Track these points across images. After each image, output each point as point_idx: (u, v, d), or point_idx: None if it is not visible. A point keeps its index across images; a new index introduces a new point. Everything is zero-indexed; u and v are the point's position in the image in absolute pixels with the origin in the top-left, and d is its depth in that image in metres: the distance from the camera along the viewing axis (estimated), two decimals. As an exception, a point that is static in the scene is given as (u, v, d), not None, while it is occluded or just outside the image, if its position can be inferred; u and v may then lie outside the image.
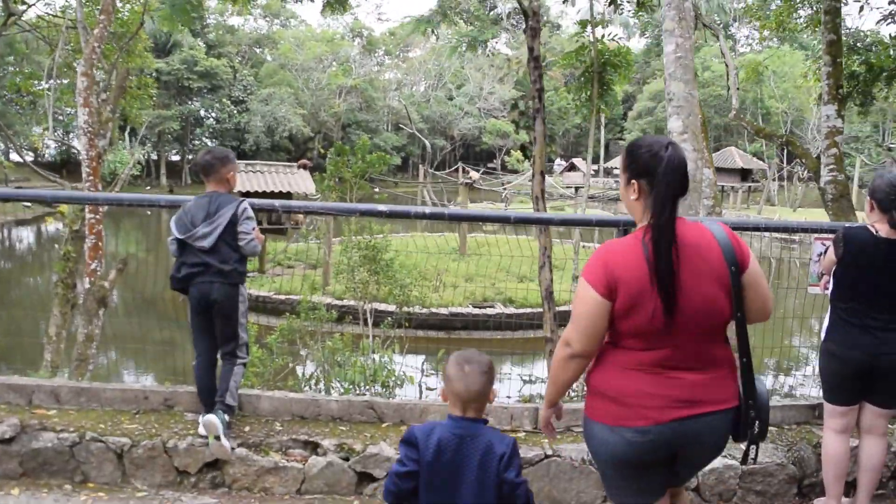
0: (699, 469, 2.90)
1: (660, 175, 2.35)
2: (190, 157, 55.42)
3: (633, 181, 2.45)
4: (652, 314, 2.30)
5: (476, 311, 17.30)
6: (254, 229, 3.99)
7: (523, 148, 62.46)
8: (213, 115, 55.61)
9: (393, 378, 7.92)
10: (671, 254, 2.29)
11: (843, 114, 7.62)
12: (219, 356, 4.15)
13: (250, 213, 4.00)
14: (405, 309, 9.19)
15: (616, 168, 62.00)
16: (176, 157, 58.60)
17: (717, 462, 4.12)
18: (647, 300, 2.29)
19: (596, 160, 62.22)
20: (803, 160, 10.95)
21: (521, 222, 4.21)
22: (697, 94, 5.88)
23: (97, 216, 8.20)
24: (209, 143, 55.33)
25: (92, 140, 8.49)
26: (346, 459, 3.97)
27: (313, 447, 4.03)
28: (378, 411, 4.33)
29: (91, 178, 8.30)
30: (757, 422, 2.51)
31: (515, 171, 54.17)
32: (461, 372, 2.53)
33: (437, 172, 46.37)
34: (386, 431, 4.20)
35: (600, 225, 4.47)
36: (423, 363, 10.20)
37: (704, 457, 2.59)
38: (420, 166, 49.48)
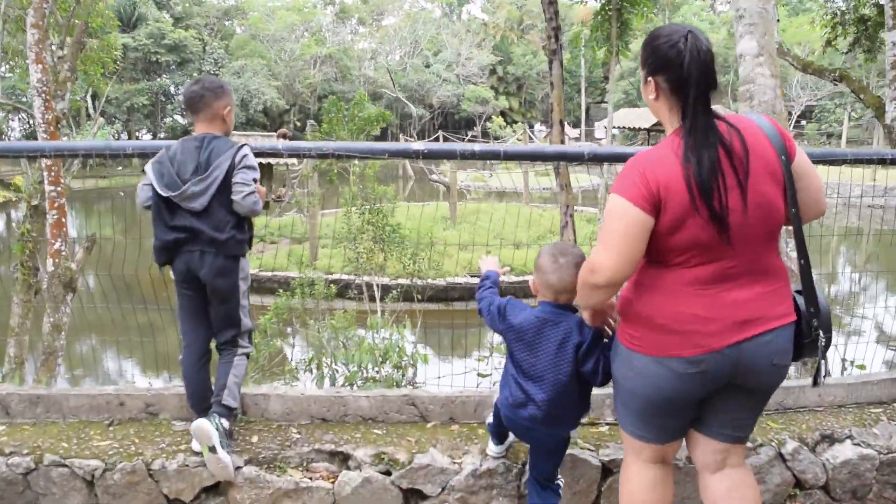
0: (753, 410, 2.40)
1: (683, 68, 2.09)
2: (162, 135, 53.77)
3: (651, 78, 2.20)
4: (705, 224, 2.08)
5: (475, 280, 16.39)
6: (255, 181, 3.04)
7: (503, 114, 61.35)
8: (183, 90, 53.90)
9: (405, 357, 7.02)
10: (715, 155, 2.07)
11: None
12: (214, 346, 3.19)
13: (252, 160, 3.05)
14: (417, 280, 8.23)
15: (600, 134, 61.27)
16: (147, 136, 56.89)
17: (851, 452, 3.31)
18: (698, 209, 2.06)
19: (577, 125, 61.50)
20: (861, 96, 10.09)
21: (596, 160, 3.26)
22: (774, 8, 4.95)
23: (58, 188, 7.12)
24: (181, 120, 53.83)
25: (48, 102, 7.39)
26: (388, 474, 3.04)
27: (343, 459, 3.10)
28: (421, 408, 3.40)
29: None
30: (821, 333, 2.29)
31: (498, 138, 53.06)
32: (555, 264, 2.55)
33: (411, 138, 45.25)
34: (434, 433, 3.28)
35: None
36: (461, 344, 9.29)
37: (759, 388, 2.30)
38: (401, 136, 48.22)
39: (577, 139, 54.03)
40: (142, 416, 3.34)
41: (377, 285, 7.89)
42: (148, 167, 3.05)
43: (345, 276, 12.83)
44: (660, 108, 2.24)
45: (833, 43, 15.49)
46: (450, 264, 16.42)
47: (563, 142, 7.10)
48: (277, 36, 53.92)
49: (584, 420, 3.48)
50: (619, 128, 42.57)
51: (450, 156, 3.25)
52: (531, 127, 54.09)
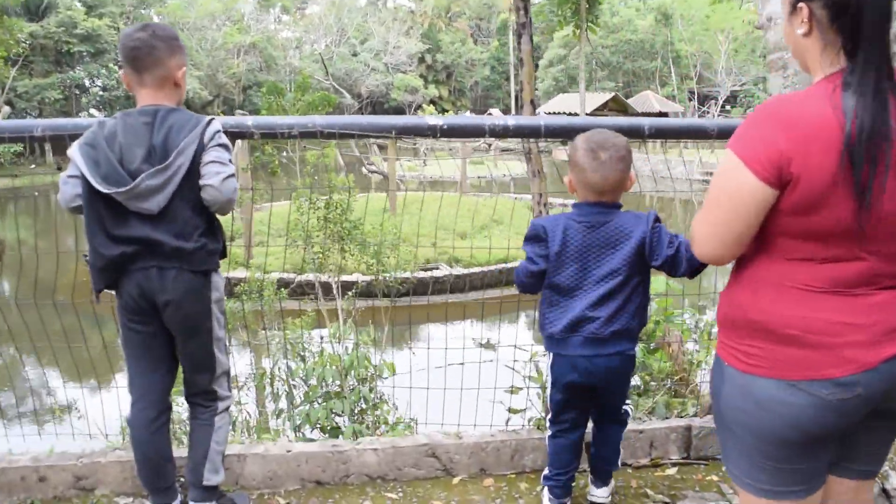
0: (891, 438, 1.82)
1: None
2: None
3: (803, 4, 1.59)
4: (854, 208, 1.50)
5: (424, 274, 15.68)
6: (230, 161, 2.21)
7: (433, 102, 60.67)
8: (100, 82, 51.30)
9: (371, 368, 6.23)
10: (887, 116, 1.47)
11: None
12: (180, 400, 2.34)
13: (225, 138, 2.23)
14: (383, 277, 7.40)
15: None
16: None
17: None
18: (843, 187, 1.48)
19: (507, 112, 61.25)
20: None
21: (660, 135, 2.56)
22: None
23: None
24: (97, 114, 51.30)
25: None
26: (413, 556, 2.28)
27: (351, 538, 2.32)
28: (444, 459, 2.63)
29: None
30: None
31: (431, 127, 52.36)
32: (596, 160, 2.21)
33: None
34: (464, 492, 2.52)
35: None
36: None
37: None
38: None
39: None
40: (71, 493, 2.46)
41: (336, 285, 7.04)
42: (74, 151, 2.18)
43: (296, 276, 11.92)
44: (808, 48, 1.66)
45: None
46: (396, 257, 15.65)
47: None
48: (198, 24, 51.81)
49: (645, 460, 2.79)
50: (555, 114, 42.34)
51: (478, 132, 2.48)
52: (459, 113, 53.48)
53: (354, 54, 61.98)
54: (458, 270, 16.13)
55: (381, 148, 36.82)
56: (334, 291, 6.94)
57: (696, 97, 50.79)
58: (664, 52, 52.18)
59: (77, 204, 2.19)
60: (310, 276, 10.16)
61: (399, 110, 64.22)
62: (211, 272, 2.26)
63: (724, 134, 2.63)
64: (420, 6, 67.09)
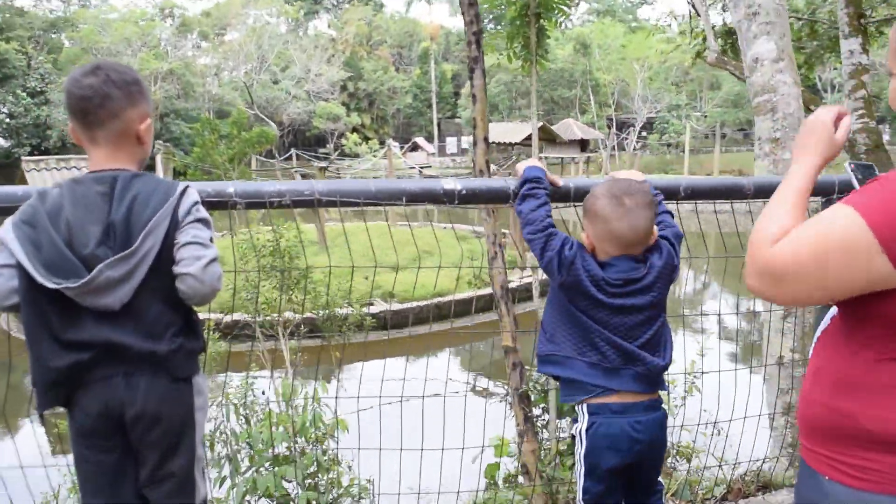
0: None
1: None
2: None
3: None
4: None
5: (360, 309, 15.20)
6: (211, 239, 1.82)
7: (356, 130, 60.23)
8: (6, 109, 48.90)
9: (322, 426, 5.79)
10: None
11: (868, 48, 6.27)
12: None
13: (204, 211, 1.84)
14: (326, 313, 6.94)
15: (453, 150, 61.36)
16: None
17: None
18: None
19: (430, 140, 61.33)
20: (811, 107, 9.78)
21: (695, 195, 2.29)
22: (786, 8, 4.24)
23: None
24: (2, 143, 48.85)
25: None
26: None
27: None
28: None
29: None
30: None
31: (357, 155, 51.86)
32: (620, 207, 1.95)
33: (269, 160, 42.96)
34: None
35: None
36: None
37: None
38: (253, 156, 45.51)
39: (434, 154, 53.74)
40: None
41: (282, 333, 6.56)
42: (6, 231, 1.72)
43: (223, 316, 11.28)
44: None
45: (701, 55, 15.75)
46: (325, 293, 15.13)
47: (487, 163, 6.11)
48: (113, 50, 50.08)
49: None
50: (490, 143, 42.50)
51: (501, 198, 2.15)
52: (382, 143, 53.19)
53: (275, 82, 61.13)
54: (396, 306, 15.75)
55: (304, 176, 36.21)
56: (280, 338, 6.47)
57: (614, 124, 51.96)
58: (583, 81, 53.30)
59: (13, 302, 1.73)
60: (245, 316, 9.60)
61: (321, 138, 63.49)
62: (192, 376, 1.84)
63: (760, 192, 2.37)
64: (341, 34, 66.84)
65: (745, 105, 54.71)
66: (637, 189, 1.99)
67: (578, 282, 1.96)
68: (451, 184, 2.11)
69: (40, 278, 1.65)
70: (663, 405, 2.10)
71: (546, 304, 2.12)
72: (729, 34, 15.24)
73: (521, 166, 2.16)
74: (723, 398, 2.84)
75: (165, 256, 1.73)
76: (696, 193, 2.34)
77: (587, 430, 2.01)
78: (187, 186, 1.81)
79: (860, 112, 5.95)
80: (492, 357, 12.87)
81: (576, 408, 2.06)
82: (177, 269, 1.73)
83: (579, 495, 2.10)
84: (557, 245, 2.00)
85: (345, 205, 2.06)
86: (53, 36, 52.82)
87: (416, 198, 2.11)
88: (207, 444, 5.82)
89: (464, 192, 2.12)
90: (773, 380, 3.96)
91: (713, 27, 15.98)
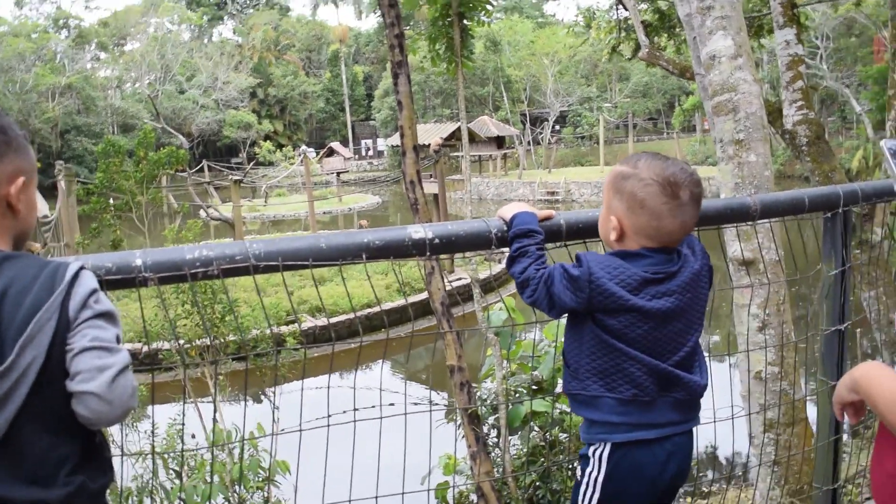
0: None
1: None
2: None
3: None
4: None
5: (286, 328, 14.61)
6: (118, 339, 1.34)
7: (268, 137, 58.91)
8: None
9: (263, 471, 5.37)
10: None
11: (803, 38, 6.14)
12: None
13: (106, 301, 1.36)
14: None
15: (371, 151, 60.71)
16: None
17: None
18: None
19: (346, 143, 60.52)
20: None
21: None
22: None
23: None
24: None
25: None
26: None
27: None
28: None
29: None
30: None
31: (272, 163, 50.61)
32: (674, 201, 1.64)
33: (181, 173, 41.40)
34: None
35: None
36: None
37: None
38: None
39: (351, 158, 52.97)
40: None
41: (210, 373, 6.03)
42: None
43: (142, 346, 10.57)
44: None
45: (617, 49, 15.78)
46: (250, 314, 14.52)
47: (418, 173, 5.79)
48: (5, 65, 47.47)
49: None
50: (396, 147, 42.08)
51: (483, 243, 1.78)
52: (296, 147, 52.09)
53: (181, 92, 59.20)
54: (323, 321, 15.19)
55: (218, 189, 35.03)
56: (205, 370, 5.95)
57: (528, 119, 52.36)
58: (495, 78, 53.51)
59: None
60: (164, 344, 9.00)
61: (233, 148, 61.86)
62: None
63: (767, 213, 2.08)
64: (247, 39, 65.25)
65: (654, 95, 56.10)
66: (691, 178, 1.68)
67: (605, 291, 1.63)
68: (420, 232, 1.73)
69: None
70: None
71: (565, 331, 1.79)
72: (645, 26, 15.29)
73: (507, 211, 1.83)
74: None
75: (54, 370, 1.28)
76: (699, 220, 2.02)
77: (609, 458, 1.70)
78: (80, 269, 1.34)
79: (799, 104, 5.83)
80: (434, 360, 12.52)
81: (592, 448, 1.74)
82: (73, 387, 1.26)
83: None
84: (557, 276, 1.66)
85: (289, 268, 1.65)
86: (-63, 55, 49.79)
87: (378, 253, 1.71)
88: None
89: (437, 241, 1.73)
90: (752, 396, 3.73)
91: (626, 19, 16.07)
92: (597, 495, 1.72)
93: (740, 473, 2.93)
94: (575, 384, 1.73)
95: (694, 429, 1.79)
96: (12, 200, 1.37)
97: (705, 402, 1.82)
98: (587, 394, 1.70)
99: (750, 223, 2.15)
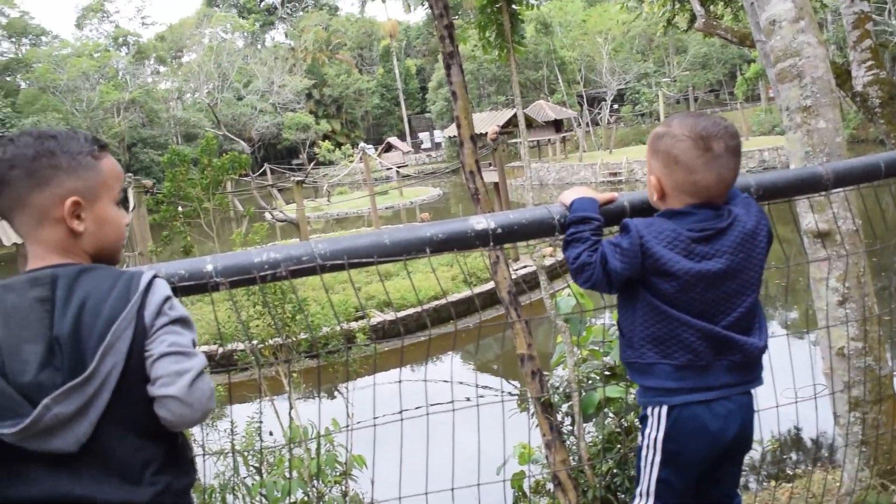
0: None
1: None
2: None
3: None
4: None
5: (356, 324, 14.77)
6: (194, 343, 1.38)
7: (327, 137, 59.66)
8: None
9: (338, 466, 5.41)
10: None
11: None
12: None
13: (180, 306, 1.39)
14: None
15: (425, 144, 60.87)
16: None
17: None
18: None
19: (403, 137, 60.89)
20: None
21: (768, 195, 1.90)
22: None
23: None
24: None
25: None
26: None
27: None
28: None
29: None
30: None
31: (332, 162, 51.26)
32: (707, 154, 1.63)
33: (244, 178, 42.33)
34: None
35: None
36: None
37: None
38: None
39: (410, 152, 53.24)
40: None
41: (286, 374, 6.16)
42: None
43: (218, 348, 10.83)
44: None
45: (672, 22, 15.43)
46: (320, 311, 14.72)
47: (477, 162, 5.70)
48: (71, 86, 49.17)
49: None
50: (453, 138, 42.13)
51: (547, 230, 1.75)
52: (354, 145, 52.59)
53: (239, 98, 60.43)
54: (391, 316, 15.31)
55: (281, 191, 35.65)
56: (279, 369, 6.05)
57: (585, 100, 51.67)
58: (549, 61, 52.94)
59: None
60: (238, 345, 9.19)
61: (293, 149, 62.89)
62: None
63: (840, 181, 1.97)
64: (300, 42, 66.14)
65: (714, 66, 54.67)
66: (724, 131, 1.67)
67: (654, 254, 1.64)
68: (482, 223, 1.71)
69: None
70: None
71: (618, 301, 1.79)
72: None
73: (567, 197, 1.82)
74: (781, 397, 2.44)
75: (133, 376, 1.31)
76: (768, 193, 1.94)
77: (668, 415, 1.70)
78: (153, 277, 1.38)
79: (868, 63, 5.56)
80: (504, 349, 12.47)
81: (651, 408, 1.74)
82: (154, 391, 1.30)
83: (645, 487, 1.75)
84: (609, 251, 1.67)
85: (354, 266, 1.65)
86: (8, 79, 51.81)
87: (442, 246, 1.70)
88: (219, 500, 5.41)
89: (499, 231, 1.71)
90: (836, 374, 3.58)
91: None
92: (658, 457, 1.72)
93: (826, 455, 2.83)
94: (630, 353, 1.74)
95: (754, 391, 1.77)
96: (67, 219, 1.39)
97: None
98: (643, 361, 1.71)
99: (823, 193, 2.05)
